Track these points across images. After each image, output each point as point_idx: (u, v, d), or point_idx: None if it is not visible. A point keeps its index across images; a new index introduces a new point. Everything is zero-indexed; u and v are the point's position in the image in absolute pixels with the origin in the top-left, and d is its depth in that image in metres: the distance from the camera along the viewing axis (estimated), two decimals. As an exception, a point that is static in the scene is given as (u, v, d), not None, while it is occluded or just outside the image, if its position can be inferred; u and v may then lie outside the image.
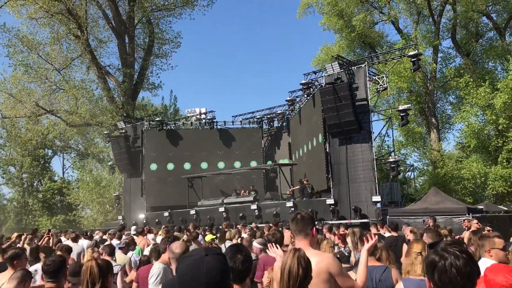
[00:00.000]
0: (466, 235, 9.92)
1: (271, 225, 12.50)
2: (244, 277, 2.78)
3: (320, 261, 3.21)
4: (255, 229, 12.41)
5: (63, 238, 11.43)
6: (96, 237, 13.54)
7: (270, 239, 5.85)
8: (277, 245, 5.78)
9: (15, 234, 10.49)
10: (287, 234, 9.52)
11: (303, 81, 21.60)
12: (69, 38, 31.33)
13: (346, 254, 7.97)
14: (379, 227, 11.04)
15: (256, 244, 6.79)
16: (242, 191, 23.11)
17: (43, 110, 30.78)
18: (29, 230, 12.57)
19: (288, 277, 2.74)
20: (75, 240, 10.40)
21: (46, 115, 32.35)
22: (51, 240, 9.15)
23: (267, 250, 6.71)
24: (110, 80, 32.16)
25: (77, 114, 29.51)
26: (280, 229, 12.13)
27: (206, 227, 16.06)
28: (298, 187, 20.38)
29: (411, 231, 7.96)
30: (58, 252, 7.28)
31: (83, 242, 10.94)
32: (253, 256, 7.03)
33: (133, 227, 14.59)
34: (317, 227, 3.43)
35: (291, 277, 2.73)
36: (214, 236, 10.35)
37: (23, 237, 10.45)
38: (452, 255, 2.07)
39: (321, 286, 3.17)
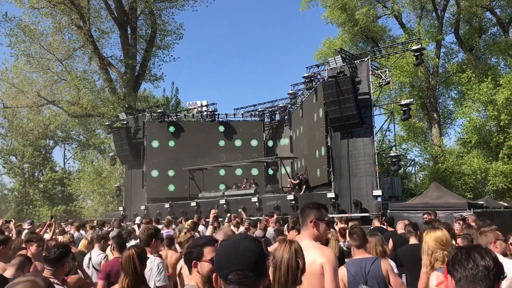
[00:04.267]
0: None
1: (267, 218, 12.51)
2: None
3: (318, 254, 3.19)
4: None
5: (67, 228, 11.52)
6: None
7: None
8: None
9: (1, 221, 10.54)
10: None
11: (306, 75, 21.52)
12: (71, 29, 31.27)
13: (345, 248, 7.98)
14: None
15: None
16: (245, 181, 23.15)
17: (44, 100, 30.81)
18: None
19: (287, 270, 2.74)
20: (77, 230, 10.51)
21: (48, 106, 32.42)
22: (53, 228, 9.22)
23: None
24: (112, 71, 32.12)
25: (79, 104, 29.51)
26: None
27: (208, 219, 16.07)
28: (297, 182, 20.33)
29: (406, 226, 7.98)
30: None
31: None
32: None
33: (138, 218, 14.76)
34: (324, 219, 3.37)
35: (290, 270, 2.72)
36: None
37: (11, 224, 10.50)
38: (477, 254, 2.09)
39: (314, 281, 3.16)
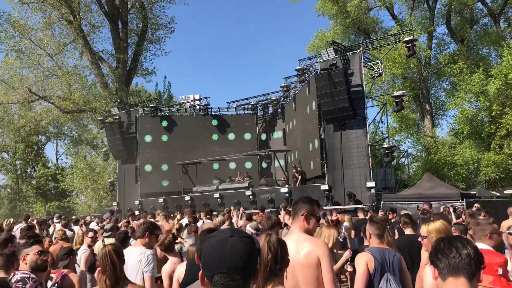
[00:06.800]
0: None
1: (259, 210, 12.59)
2: None
3: (313, 246, 3.28)
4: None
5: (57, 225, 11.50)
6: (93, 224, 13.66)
7: (265, 223, 5.82)
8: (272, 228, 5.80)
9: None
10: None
11: (298, 67, 21.54)
12: (61, 23, 31.01)
13: (341, 240, 8.03)
14: (371, 212, 11.14)
15: (249, 228, 6.83)
16: (238, 174, 23.15)
17: (36, 96, 30.57)
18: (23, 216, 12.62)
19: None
20: (66, 226, 10.49)
21: (39, 101, 32.15)
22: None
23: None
24: (104, 66, 31.92)
25: (71, 100, 29.31)
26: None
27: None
28: (300, 177, 20.41)
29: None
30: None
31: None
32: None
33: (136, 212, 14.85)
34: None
35: (262, 261, 2.72)
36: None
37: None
38: (459, 243, 2.16)
39: (310, 272, 3.24)
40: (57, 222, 11.35)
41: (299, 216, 3.43)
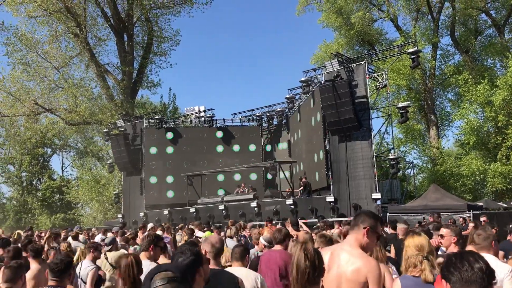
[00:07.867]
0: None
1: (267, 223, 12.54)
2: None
3: (363, 264, 3.17)
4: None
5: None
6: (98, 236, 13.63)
7: (276, 236, 5.78)
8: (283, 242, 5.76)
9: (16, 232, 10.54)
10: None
11: (303, 79, 21.58)
12: (67, 37, 31.35)
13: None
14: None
15: (262, 240, 6.79)
16: (243, 185, 23.11)
17: (42, 108, 30.75)
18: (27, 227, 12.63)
19: (296, 271, 2.78)
20: (75, 238, 10.47)
21: (45, 114, 32.34)
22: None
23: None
24: (109, 78, 32.14)
25: (76, 112, 29.47)
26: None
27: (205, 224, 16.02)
28: (301, 188, 20.33)
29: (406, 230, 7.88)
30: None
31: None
32: (259, 252, 7.04)
33: (150, 225, 14.82)
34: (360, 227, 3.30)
35: (299, 270, 2.76)
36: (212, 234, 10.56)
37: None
38: (471, 257, 2.16)
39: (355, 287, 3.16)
40: (79, 232, 11.40)
41: (360, 228, 3.28)
